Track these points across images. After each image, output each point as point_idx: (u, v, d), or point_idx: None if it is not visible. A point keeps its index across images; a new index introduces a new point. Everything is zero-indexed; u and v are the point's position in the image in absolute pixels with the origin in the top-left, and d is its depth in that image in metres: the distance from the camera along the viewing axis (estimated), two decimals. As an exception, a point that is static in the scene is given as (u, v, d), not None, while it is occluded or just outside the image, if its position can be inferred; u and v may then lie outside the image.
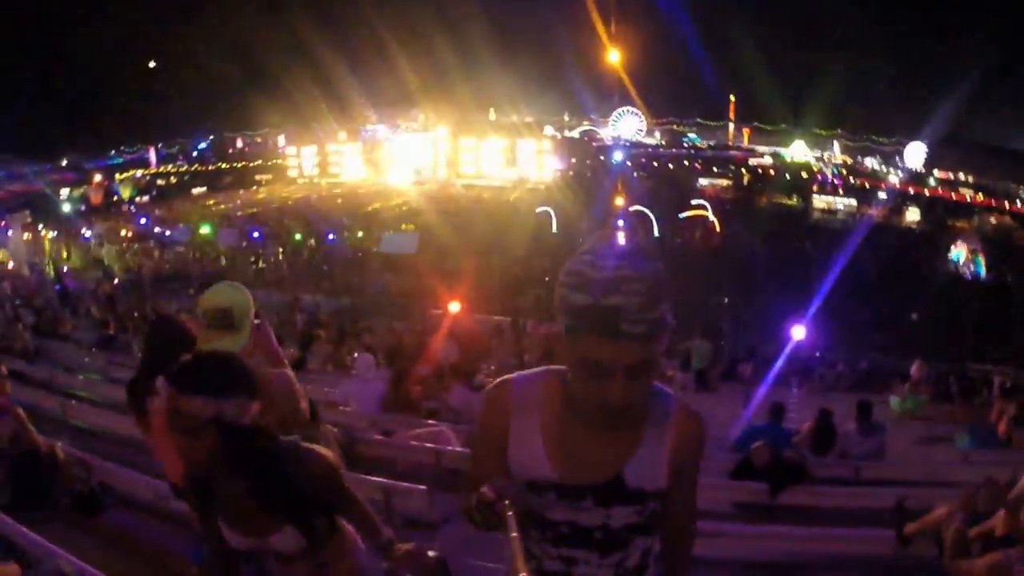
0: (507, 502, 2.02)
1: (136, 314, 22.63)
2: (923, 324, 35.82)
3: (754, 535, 6.16)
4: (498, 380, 2.33)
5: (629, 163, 74.89)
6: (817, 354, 21.00)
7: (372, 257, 46.83)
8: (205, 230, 54.22)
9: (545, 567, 2.26)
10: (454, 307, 13.99)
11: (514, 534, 1.97)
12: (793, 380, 17.35)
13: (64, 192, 75.14)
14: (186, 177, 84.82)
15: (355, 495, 3.08)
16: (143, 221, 66.83)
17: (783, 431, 8.69)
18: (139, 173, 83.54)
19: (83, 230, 61.69)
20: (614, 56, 62.10)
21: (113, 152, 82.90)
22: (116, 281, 36.44)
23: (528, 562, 2.12)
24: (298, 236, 56.84)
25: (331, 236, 55.08)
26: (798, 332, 16.92)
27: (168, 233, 59.92)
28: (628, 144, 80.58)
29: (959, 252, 60.15)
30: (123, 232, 64.68)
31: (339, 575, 3.10)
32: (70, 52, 69.53)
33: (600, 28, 62.02)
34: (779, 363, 16.06)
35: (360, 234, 55.22)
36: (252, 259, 51.56)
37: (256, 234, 55.38)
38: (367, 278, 42.26)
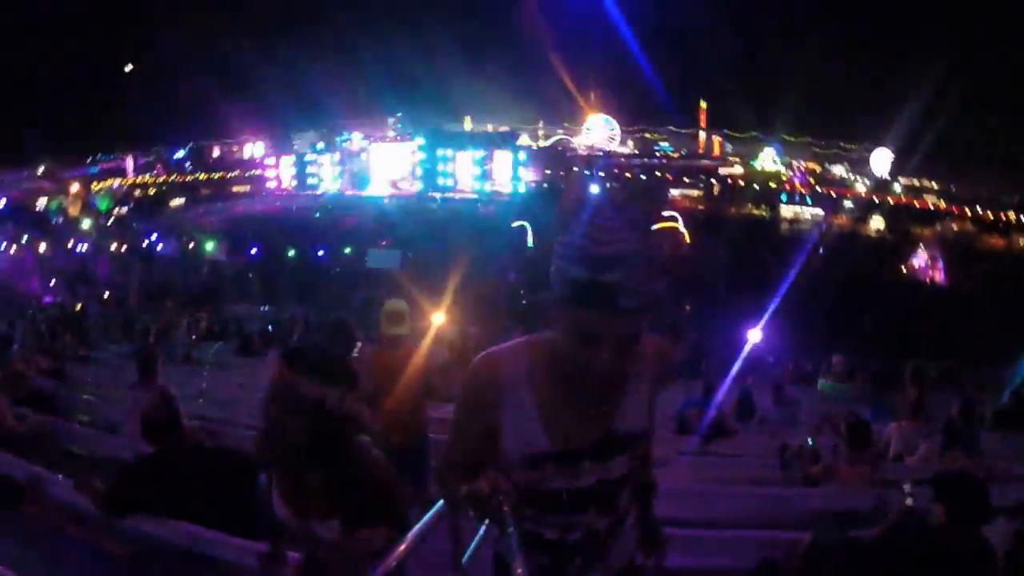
0: (502, 497, 2.04)
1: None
2: (875, 327, 38.85)
3: (691, 468, 8.68)
4: (483, 354, 2.35)
5: (601, 174, 76.40)
6: (771, 359, 23.58)
7: (358, 272, 48.56)
8: (210, 246, 55.55)
9: (546, 536, 2.34)
10: (438, 319, 14.23)
11: (511, 529, 2.04)
12: (748, 377, 19.67)
13: (41, 202, 76.68)
14: (164, 188, 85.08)
15: (401, 507, 3.35)
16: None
17: (711, 402, 11.53)
18: (116, 183, 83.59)
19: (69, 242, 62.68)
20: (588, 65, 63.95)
21: (89, 160, 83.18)
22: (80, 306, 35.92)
23: (526, 539, 2.21)
24: (292, 252, 58.12)
25: (320, 252, 57.07)
26: (754, 335, 19.11)
27: (160, 248, 61.35)
28: (601, 154, 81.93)
29: (920, 259, 63.11)
30: (112, 247, 65.23)
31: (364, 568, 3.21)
32: (45, 56, 70.23)
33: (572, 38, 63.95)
34: (737, 363, 18.27)
35: (348, 250, 56.79)
36: (249, 274, 52.96)
37: (254, 250, 57.09)
38: (354, 292, 43.69)
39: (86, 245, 64.66)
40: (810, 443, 7.86)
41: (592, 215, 2.02)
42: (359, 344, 7.06)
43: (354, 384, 3.10)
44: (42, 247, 62.49)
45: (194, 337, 24.71)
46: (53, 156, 77.66)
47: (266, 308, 37.49)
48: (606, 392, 2.24)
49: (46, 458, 6.84)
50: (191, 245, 61.93)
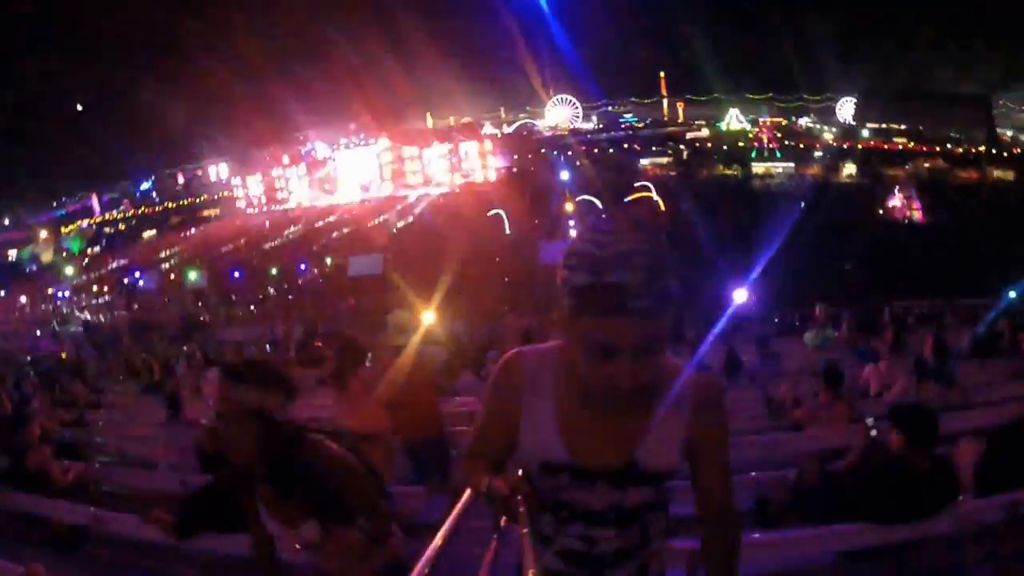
0: (519, 497, 2.07)
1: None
2: (856, 271, 39.80)
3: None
4: (513, 352, 2.33)
5: (570, 152, 76.09)
6: (757, 315, 24.06)
7: (342, 282, 49.06)
8: (192, 276, 55.81)
9: (565, 546, 2.30)
10: (428, 317, 12.92)
11: (525, 530, 2.03)
12: (734, 335, 20.06)
13: (12, 253, 76.71)
14: (133, 222, 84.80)
15: (373, 497, 3.41)
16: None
17: (697, 362, 12.25)
18: (85, 223, 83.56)
19: (48, 289, 62.96)
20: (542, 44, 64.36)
21: (55, 204, 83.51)
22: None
23: (544, 545, 2.30)
24: (274, 271, 58.28)
25: (302, 266, 57.41)
26: (739, 295, 19.59)
27: (141, 284, 61.58)
28: (567, 132, 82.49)
29: (896, 200, 64.02)
30: (94, 287, 65.40)
31: (372, 564, 3.37)
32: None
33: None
34: (721, 323, 18.14)
35: (329, 260, 57.10)
36: (233, 297, 53.21)
37: (236, 273, 57.36)
38: (339, 302, 44.66)
39: (65, 291, 64.55)
40: (786, 388, 8.71)
41: (593, 221, 2.02)
42: (369, 356, 7.45)
43: (292, 391, 3.23)
44: (21, 299, 62.57)
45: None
46: (17, 204, 78.27)
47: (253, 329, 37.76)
48: (627, 413, 2.17)
49: (95, 502, 7.36)
50: (171, 277, 61.98)
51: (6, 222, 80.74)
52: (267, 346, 29.13)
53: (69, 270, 71.45)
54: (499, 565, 3.60)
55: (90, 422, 13.95)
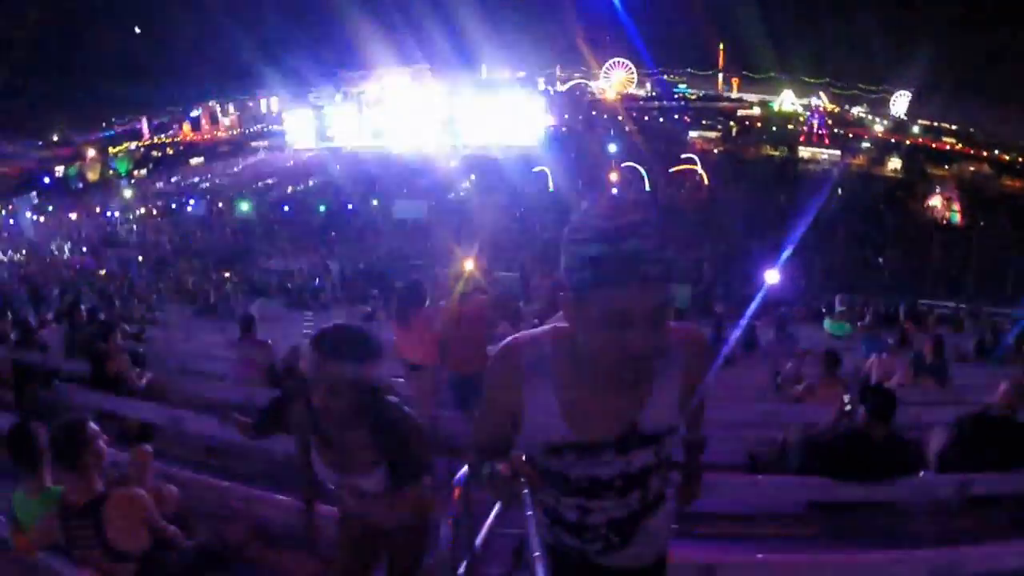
0: (523, 479, 2.11)
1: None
2: (888, 266, 40.36)
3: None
4: (507, 340, 2.37)
5: (620, 117, 75.89)
6: (785, 298, 24.83)
7: (386, 223, 49.58)
8: (244, 207, 56.55)
9: (565, 517, 2.43)
10: (468, 265, 12.58)
11: (529, 512, 2.08)
12: (759, 316, 20.65)
13: (59, 169, 77.28)
14: (181, 147, 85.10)
15: (427, 456, 3.61)
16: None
17: (720, 338, 13.09)
18: (133, 145, 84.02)
19: (96, 207, 63.94)
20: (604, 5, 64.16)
21: (104, 124, 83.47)
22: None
23: (545, 517, 2.46)
24: (322, 208, 59.43)
25: (350, 206, 58.32)
26: (771, 276, 19.66)
27: (190, 209, 62.69)
28: (620, 96, 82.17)
29: (936, 200, 63.90)
30: (141, 210, 66.53)
31: (408, 516, 3.64)
32: (51, 22, 69.89)
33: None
34: (753, 303, 18.66)
35: (375, 202, 57.65)
36: (275, 228, 54.29)
37: (286, 207, 58.54)
38: (381, 243, 45.55)
39: (114, 211, 65.57)
40: (790, 367, 9.74)
41: (592, 202, 2.06)
42: (428, 301, 8.45)
43: (379, 355, 3.33)
44: (71, 215, 63.51)
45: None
46: (67, 122, 78.56)
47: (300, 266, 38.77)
48: (632, 384, 2.22)
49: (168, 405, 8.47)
50: (219, 204, 62.92)
51: (55, 138, 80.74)
52: (316, 279, 30.08)
53: (118, 191, 72.41)
54: (499, 543, 3.77)
55: (150, 338, 15.06)
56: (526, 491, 2.11)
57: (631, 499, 2.39)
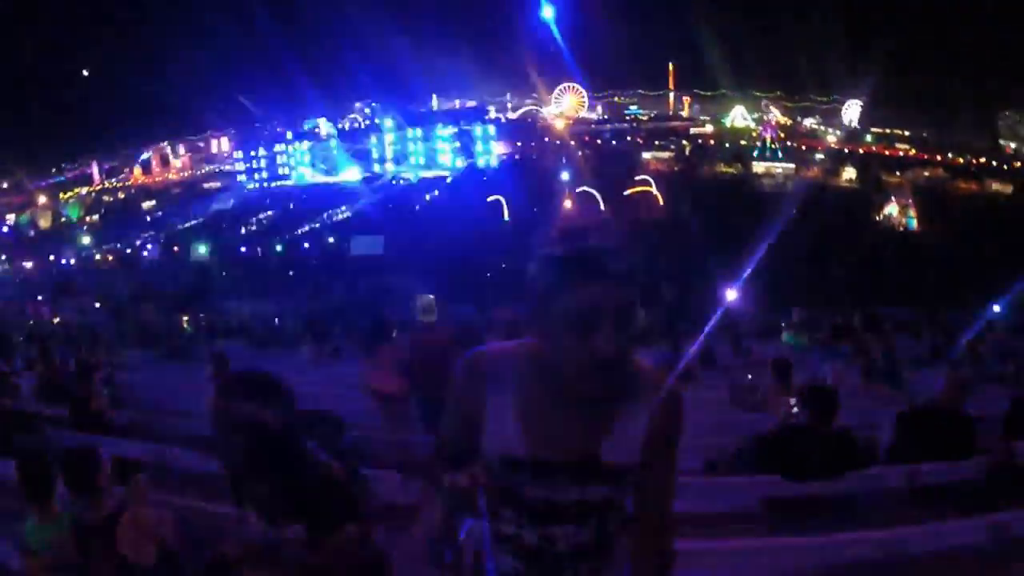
0: (480, 489, 2.13)
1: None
2: (844, 277, 41.10)
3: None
4: (473, 351, 2.38)
5: (573, 142, 76.89)
6: (743, 315, 25.24)
7: (344, 260, 50.02)
8: (202, 249, 56.78)
9: (525, 542, 2.33)
10: (430, 298, 12.56)
11: (484, 523, 2.20)
12: (720, 332, 19.82)
13: (11, 217, 77.02)
14: (133, 191, 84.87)
15: (357, 504, 3.58)
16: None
17: (678, 356, 13.50)
18: (84, 191, 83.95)
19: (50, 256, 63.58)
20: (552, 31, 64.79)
21: (55, 170, 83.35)
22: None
23: (503, 542, 2.36)
24: (279, 247, 59.65)
25: (305, 244, 58.44)
26: (730, 294, 20.55)
27: (146, 253, 62.53)
28: (571, 121, 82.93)
29: (892, 208, 65.20)
30: (96, 256, 66.29)
31: (345, 566, 3.49)
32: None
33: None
34: (712, 322, 18.83)
35: (331, 240, 58.13)
36: (224, 272, 53.62)
37: (243, 248, 58.60)
38: (336, 281, 45.47)
39: (69, 258, 65.43)
40: (749, 378, 10.13)
41: (558, 216, 2.11)
42: (395, 332, 8.86)
43: (291, 401, 3.26)
44: (26, 264, 63.47)
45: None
46: (16, 168, 78.34)
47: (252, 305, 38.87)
48: (596, 404, 2.19)
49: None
50: (175, 248, 63.01)
51: (4, 186, 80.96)
52: (275, 319, 30.28)
53: (71, 238, 72.21)
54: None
55: (119, 382, 15.26)
56: (483, 501, 2.16)
57: (589, 529, 2.33)
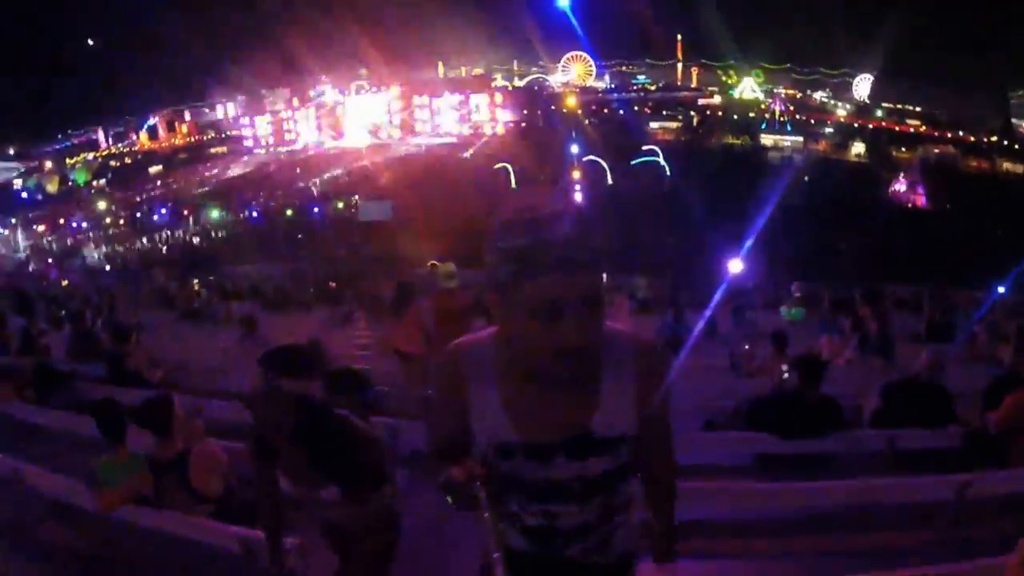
0: (478, 483, 2.10)
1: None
2: (850, 252, 41.51)
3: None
4: (449, 346, 2.34)
5: (580, 111, 76.69)
6: (751, 283, 25.58)
7: (352, 225, 50.75)
8: (215, 214, 57.50)
9: (527, 523, 2.37)
10: (451, 266, 11.07)
11: (486, 515, 2.09)
12: (724, 304, 21.00)
13: (17, 182, 77.55)
14: (140, 156, 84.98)
15: (382, 464, 3.76)
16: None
17: (681, 325, 13.99)
18: (91, 156, 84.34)
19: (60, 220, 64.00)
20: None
21: (60, 136, 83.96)
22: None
23: (510, 523, 2.39)
24: (288, 212, 60.01)
25: (315, 209, 59.09)
26: (735, 266, 20.59)
27: (156, 218, 63.23)
28: (578, 90, 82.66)
29: (900, 184, 65.21)
30: (107, 220, 66.60)
31: (372, 526, 3.72)
32: (8, 31, 69.09)
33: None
34: (719, 293, 19.82)
35: (340, 205, 58.68)
36: (239, 234, 54.82)
37: (255, 213, 59.25)
38: (349, 245, 46.27)
39: (79, 222, 65.79)
40: (747, 347, 10.80)
41: (514, 197, 2.04)
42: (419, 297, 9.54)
43: (325, 371, 3.61)
44: (39, 228, 63.79)
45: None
46: (21, 133, 78.75)
47: (263, 266, 39.29)
48: (575, 382, 2.15)
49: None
50: (185, 212, 63.40)
51: (10, 151, 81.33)
52: (286, 283, 30.73)
53: (80, 201, 72.58)
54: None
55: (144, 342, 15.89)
56: (482, 494, 2.11)
57: (596, 503, 2.34)
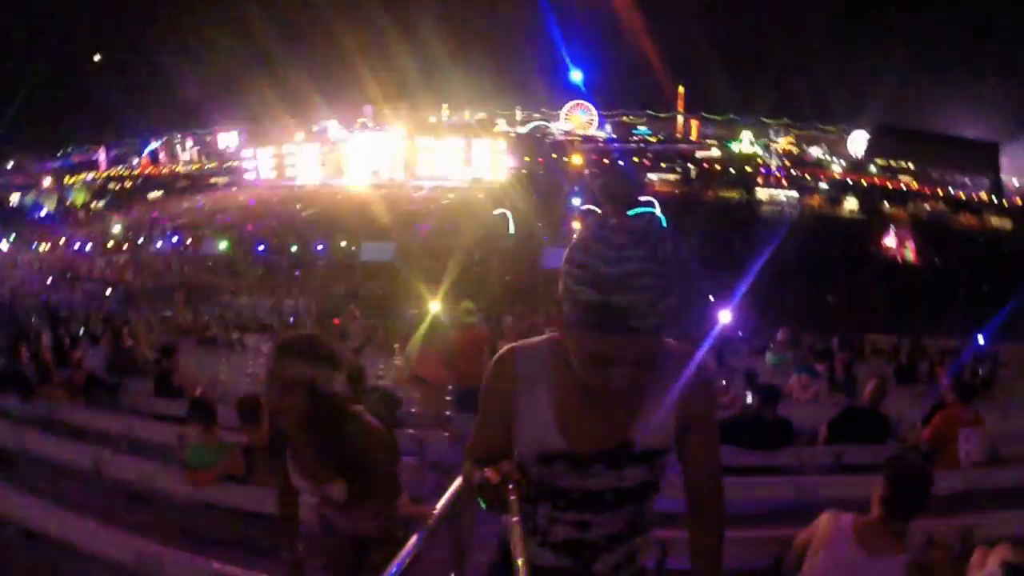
0: (511, 485, 2.12)
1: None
2: (838, 303, 42.88)
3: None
4: (505, 348, 2.41)
5: (580, 159, 77.45)
6: (739, 333, 26.65)
7: (353, 264, 52.00)
8: (223, 245, 58.92)
9: (556, 534, 2.43)
10: (434, 306, 13.65)
11: (515, 519, 2.09)
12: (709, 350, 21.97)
13: (14, 198, 78.19)
14: (139, 181, 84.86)
15: (393, 466, 3.93)
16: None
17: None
18: (90, 176, 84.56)
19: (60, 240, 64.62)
20: (565, 50, 65.65)
21: (60, 153, 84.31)
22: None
23: (535, 535, 2.43)
24: (294, 248, 60.84)
25: (319, 247, 60.33)
26: (724, 316, 21.79)
27: (159, 245, 64.09)
28: (580, 139, 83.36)
29: (891, 239, 66.88)
30: (110, 243, 67.14)
31: (381, 523, 3.90)
32: (10, 46, 70.27)
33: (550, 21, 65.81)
34: (707, 341, 20.92)
35: (343, 243, 59.36)
36: (239, 268, 55.61)
37: (261, 247, 60.26)
38: (351, 283, 47.43)
39: (81, 244, 66.50)
40: (724, 383, 12.34)
41: (598, 230, 2.01)
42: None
43: (338, 364, 3.55)
44: (41, 247, 64.57)
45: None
46: (20, 149, 79.07)
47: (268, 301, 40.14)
48: (624, 397, 2.20)
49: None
50: (188, 241, 64.35)
51: (8, 166, 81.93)
52: (289, 318, 31.81)
53: (78, 222, 73.33)
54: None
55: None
56: (514, 498, 2.12)
57: (624, 514, 2.41)
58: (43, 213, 77.63)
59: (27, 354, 13.13)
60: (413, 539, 3.77)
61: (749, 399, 9.09)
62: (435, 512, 4.07)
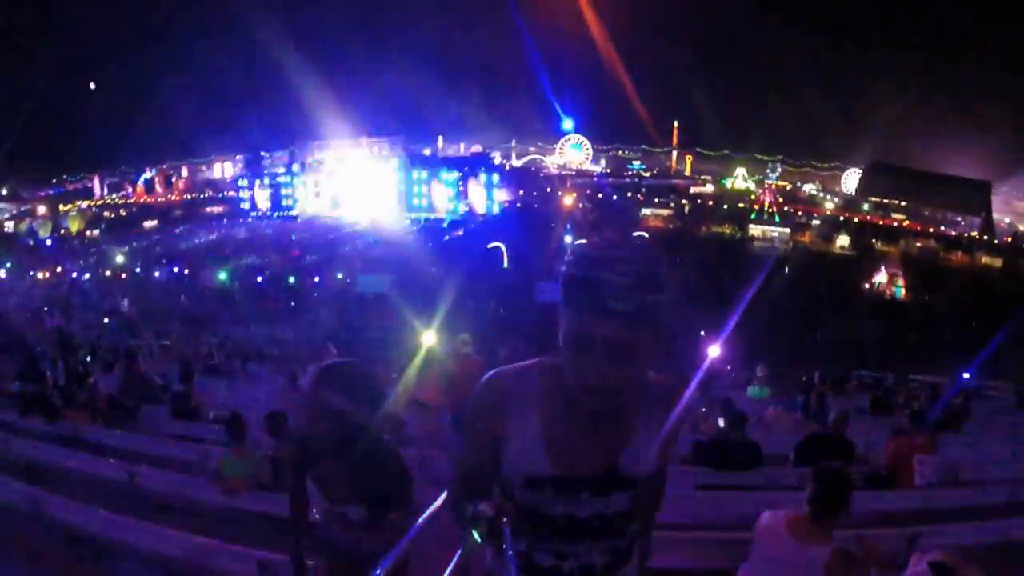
0: (504, 519, 2.14)
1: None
2: (825, 340, 43.71)
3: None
4: (492, 372, 2.38)
5: (574, 194, 78.25)
6: (727, 367, 27.42)
7: (349, 295, 52.30)
8: (223, 275, 59.18)
9: (536, 561, 2.37)
10: (428, 338, 13.21)
11: (509, 552, 2.14)
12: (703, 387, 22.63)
13: (9, 225, 77.81)
14: (135, 209, 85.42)
15: (410, 490, 3.93)
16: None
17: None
18: (84, 204, 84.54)
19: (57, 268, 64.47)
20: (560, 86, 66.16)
21: (55, 181, 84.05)
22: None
23: (517, 562, 2.26)
24: (291, 279, 61.26)
25: (316, 278, 61.06)
26: (713, 351, 22.80)
27: (157, 274, 64.55)
28: (573, 172, 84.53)
29: (881, 276, 67.49)
30: (107, 272, 66.73)
31: (387, 540, 3.55)
32: (5, 73, 71.50)
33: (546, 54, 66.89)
34: (697, 375, 21.51)
35: (340, 275, 59.78)
36: (234, 297, 54.80)
37: (259, 278, 60.87)
38: (335, 314, 47.76)
39: (79, 271, 66.46)
40: (703, 411, 13.20)
41: (594, 239, 2.13)
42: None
43: (379, 405, 3.60)
44: (39, 275, 64.87)
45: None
46: (13, 176, 79.07)
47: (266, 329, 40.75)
48: (609, 418, 2.23)
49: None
50: (186, 271, 65.18)
51: (3, 192, 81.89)
52: (288, 347, 32.31)
53: (75, 250, 73.08)
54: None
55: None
56: (507, 531, 2.15)
57: (604, 545, 2.39)
58: (38, 241, 77.17)
59: (50, 379, 13.63)
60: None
61: (721, 423, 9.86)
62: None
